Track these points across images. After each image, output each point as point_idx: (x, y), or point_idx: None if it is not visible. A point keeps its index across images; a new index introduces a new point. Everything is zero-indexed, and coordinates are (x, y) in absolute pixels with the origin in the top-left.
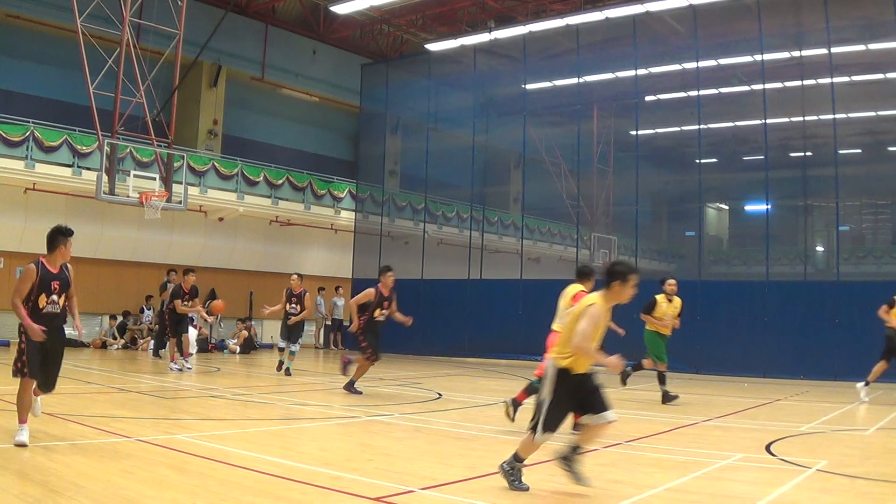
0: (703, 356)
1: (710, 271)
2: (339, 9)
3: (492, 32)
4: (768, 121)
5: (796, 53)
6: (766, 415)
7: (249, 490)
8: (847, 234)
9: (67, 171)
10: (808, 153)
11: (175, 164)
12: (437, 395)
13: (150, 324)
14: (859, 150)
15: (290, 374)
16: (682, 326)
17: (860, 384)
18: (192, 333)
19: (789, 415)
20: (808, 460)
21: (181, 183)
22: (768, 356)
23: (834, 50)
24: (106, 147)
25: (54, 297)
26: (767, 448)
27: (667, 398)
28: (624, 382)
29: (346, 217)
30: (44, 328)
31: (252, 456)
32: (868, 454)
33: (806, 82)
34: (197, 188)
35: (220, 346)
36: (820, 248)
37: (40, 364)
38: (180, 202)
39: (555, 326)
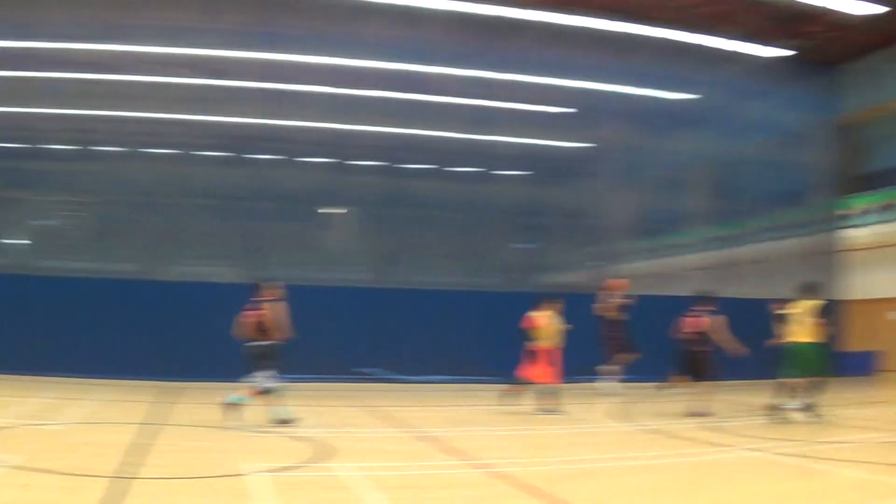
0: None
1: None
2: None
3: None
4: None
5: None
6: None
7: None
8: (47, 228)
9: None
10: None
11: None
12: None
13: None
14: (69, 147)
15: None
16: None
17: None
18: None
19: None
20: (4, 456)
21: None
22: None
23: (61, 45)
24: None
25: None
26: None
27: None
28: None
29: None
30: None
31: None
32: (64, 448)
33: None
34: None
35: None
36: (16, 241)
37: None
38: None
39: None
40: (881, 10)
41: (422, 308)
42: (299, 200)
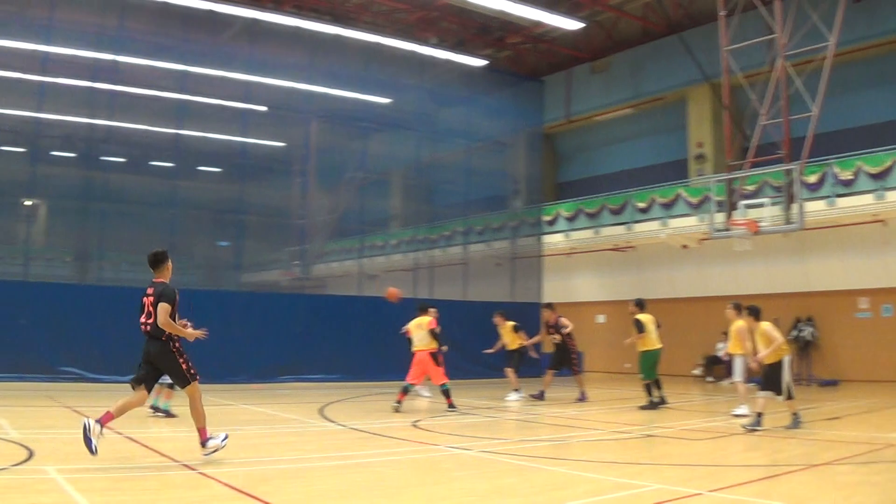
0: None
1: None
2: None
3: None
4: None
5: None
6: None
7: None
8: None
9: None
10: None
11: None
12: None
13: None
14: None
15: None
16: None
17: None
18: None
19: None
20: None
21: None
22: None
23: None
24: None
25: None
26: None
27: None
28: None
29: None
30: None
31: None
32: None
33: None
34: None
35: None
36: None
37: None
38: None
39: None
40: (579, 25)
41: (122, 306)
42: None
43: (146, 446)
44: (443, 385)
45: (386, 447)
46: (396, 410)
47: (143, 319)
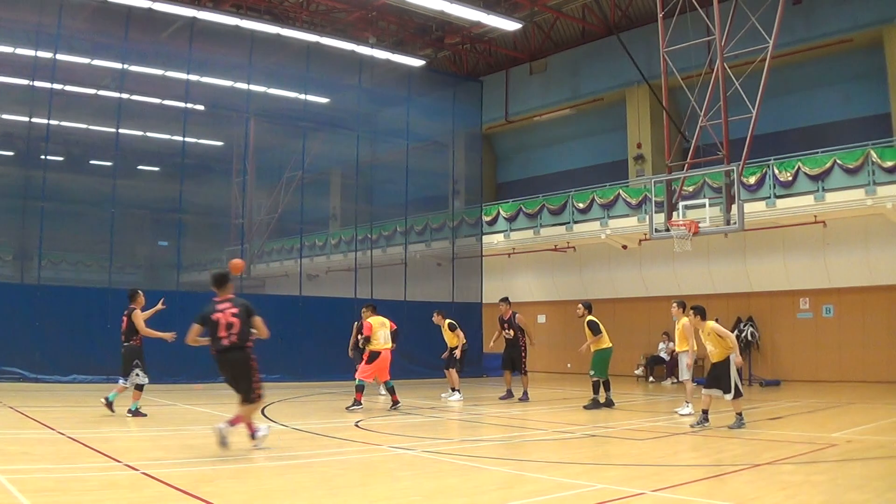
0: None
1: None
2: None
3: None
4: None
5: None
6: None
7: None
8: None
9: None
10: None
11: None
12: None
13: None
14: None
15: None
16: None
17: None
18: None
19: None
20: None
21: None
22: None
23: None
24: None
25: None
26: None
27: None
28: None
29: None
30: None
31: None
32: None
33: None
34: None
35: None
36: None
37: None
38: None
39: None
40: (517, 26)
41: (63, 305)
42: None
43: (90, 447)
44: (387, 382)
45: (328, 447)
46: (352, 409)
47: (223, 333)
